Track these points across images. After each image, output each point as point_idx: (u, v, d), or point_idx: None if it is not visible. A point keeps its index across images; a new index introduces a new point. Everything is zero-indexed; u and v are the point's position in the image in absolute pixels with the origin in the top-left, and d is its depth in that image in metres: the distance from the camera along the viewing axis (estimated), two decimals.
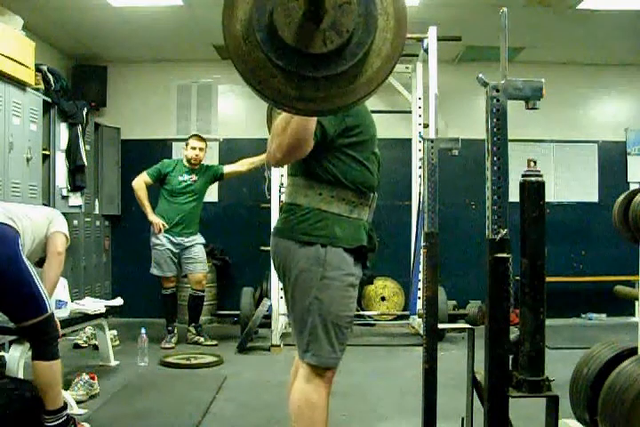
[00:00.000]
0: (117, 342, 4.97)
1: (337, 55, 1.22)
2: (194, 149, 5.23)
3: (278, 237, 2.08)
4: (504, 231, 1.57)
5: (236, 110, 6.82)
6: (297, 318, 2.03)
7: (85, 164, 5.57)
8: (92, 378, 3.54)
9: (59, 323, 2.86)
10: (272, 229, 2.15)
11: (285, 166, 2.24)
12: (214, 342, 5.21)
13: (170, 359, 4.50)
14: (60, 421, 2.73)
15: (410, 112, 6.01)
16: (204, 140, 5.33)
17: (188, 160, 5.23)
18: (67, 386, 3.36)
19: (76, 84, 6.22)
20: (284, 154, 1.90)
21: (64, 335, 3.72)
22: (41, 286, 2.72)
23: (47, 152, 5.14)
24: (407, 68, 6.00)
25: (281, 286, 4.66)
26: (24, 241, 2.84)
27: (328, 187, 2.01)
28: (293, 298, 2.03)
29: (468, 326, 2.34)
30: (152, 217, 5.12)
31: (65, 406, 2.79)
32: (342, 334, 2.02)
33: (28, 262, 2.72)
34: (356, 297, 2.10)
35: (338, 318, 2.00)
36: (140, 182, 5.16)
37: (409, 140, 6.00)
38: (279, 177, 5.11)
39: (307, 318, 1.99)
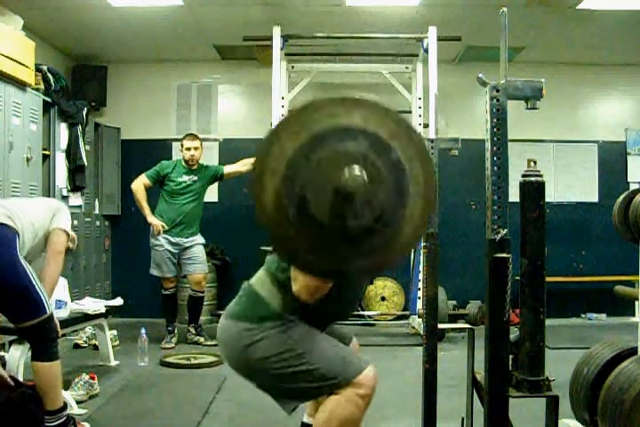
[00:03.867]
0: (117, 342, 4.96)
1: (368, 232, 1.26)
2: (188, 149, 5.20)
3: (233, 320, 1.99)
4: (504, 231, 1.57)
5: (235, 110, 6.82)
6: (297, 388, 1.88)
7: (85, 164, 5.57)
8: (92, 378, 3.54)
9: (58, 323, 2.85)
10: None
11: None
12: (214, 342, 5.19)
13: (170, 359, 4.50)
14: (60, 421, 2.72)
15: (410, 112, 5.99)
16: (197, 138, 5.29)
17: (186, 162, 5.22)
18: (67, 386, 3.35)
19: (76, 84, 6.21)
20: (310, 295, 1.82)
21: (64, 335, 3.71)
22: (39, 287, 2.71)
23: (47, 152, 5.14)
24: (407, 68, 5.99)
25: None
26: (24, 239, 2.81)
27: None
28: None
29: (468, 326, 2.34)
30: (151, 219, 5.11)
31: (65, 407, 2.79)
32: (345, 351, 1.95)
33: (25, 263, 2.71)
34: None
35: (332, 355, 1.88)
36: (139, 185, 5.14)
37: None
38: None
39: (307, 378, 1.85)
